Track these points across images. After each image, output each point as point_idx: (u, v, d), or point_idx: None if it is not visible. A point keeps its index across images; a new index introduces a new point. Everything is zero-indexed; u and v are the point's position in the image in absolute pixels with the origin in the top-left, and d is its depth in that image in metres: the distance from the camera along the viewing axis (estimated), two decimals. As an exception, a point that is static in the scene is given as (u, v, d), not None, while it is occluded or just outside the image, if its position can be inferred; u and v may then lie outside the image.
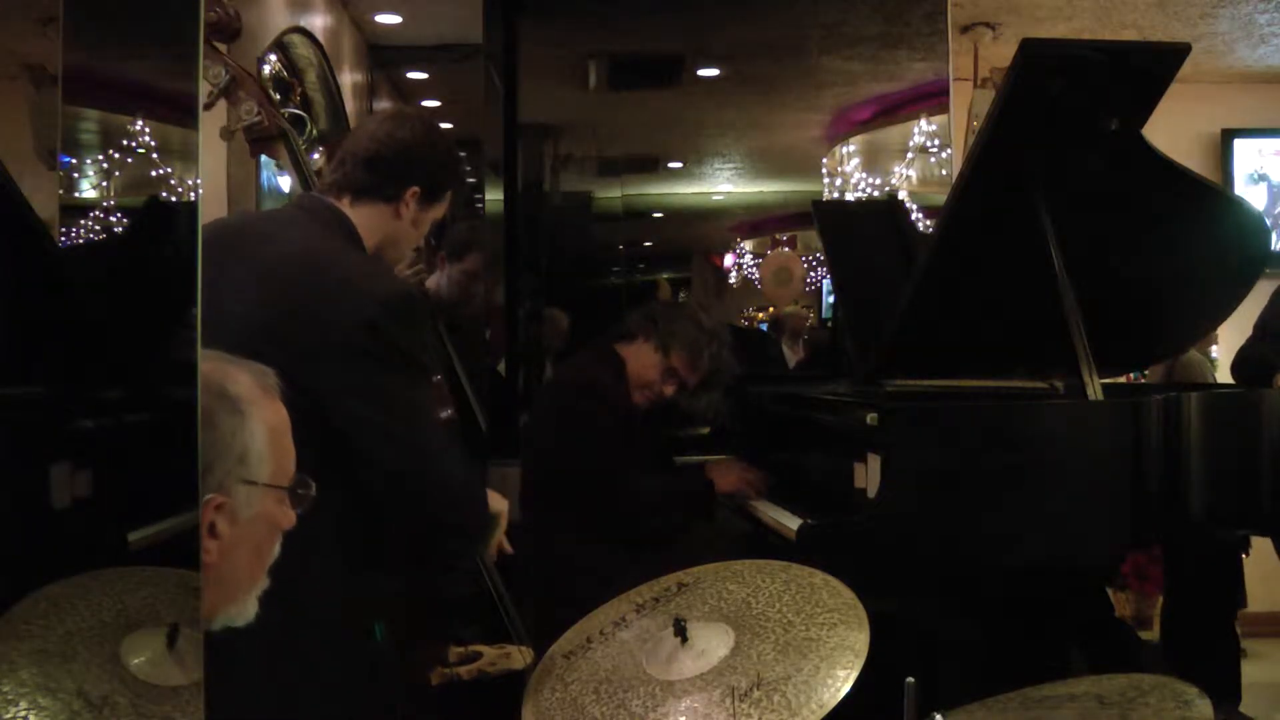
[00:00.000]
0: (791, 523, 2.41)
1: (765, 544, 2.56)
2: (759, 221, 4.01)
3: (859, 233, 3.35)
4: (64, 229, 1.31)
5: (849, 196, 3.95)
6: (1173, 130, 3.58)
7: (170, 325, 1.24)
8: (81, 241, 1.32)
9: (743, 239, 3.97)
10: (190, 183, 1.34)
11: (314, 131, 3.01)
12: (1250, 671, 3.45)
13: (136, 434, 1.22)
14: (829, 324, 3.99)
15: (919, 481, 2.18)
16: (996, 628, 2.39)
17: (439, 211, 1.90)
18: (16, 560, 1.09)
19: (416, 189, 1.83)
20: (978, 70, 4.39)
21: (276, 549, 1.23)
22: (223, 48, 2.02)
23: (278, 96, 2.22)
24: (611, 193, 3.84)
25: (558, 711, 1.53)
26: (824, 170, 3.95)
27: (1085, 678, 1.46)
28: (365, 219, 1.80)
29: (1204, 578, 3.21)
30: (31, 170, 1.24)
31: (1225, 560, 3.31)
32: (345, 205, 1.80)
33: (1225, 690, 3.10)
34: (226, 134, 2.05)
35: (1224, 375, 4.43)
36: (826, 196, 3.91)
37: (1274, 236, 4.60)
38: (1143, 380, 4.13)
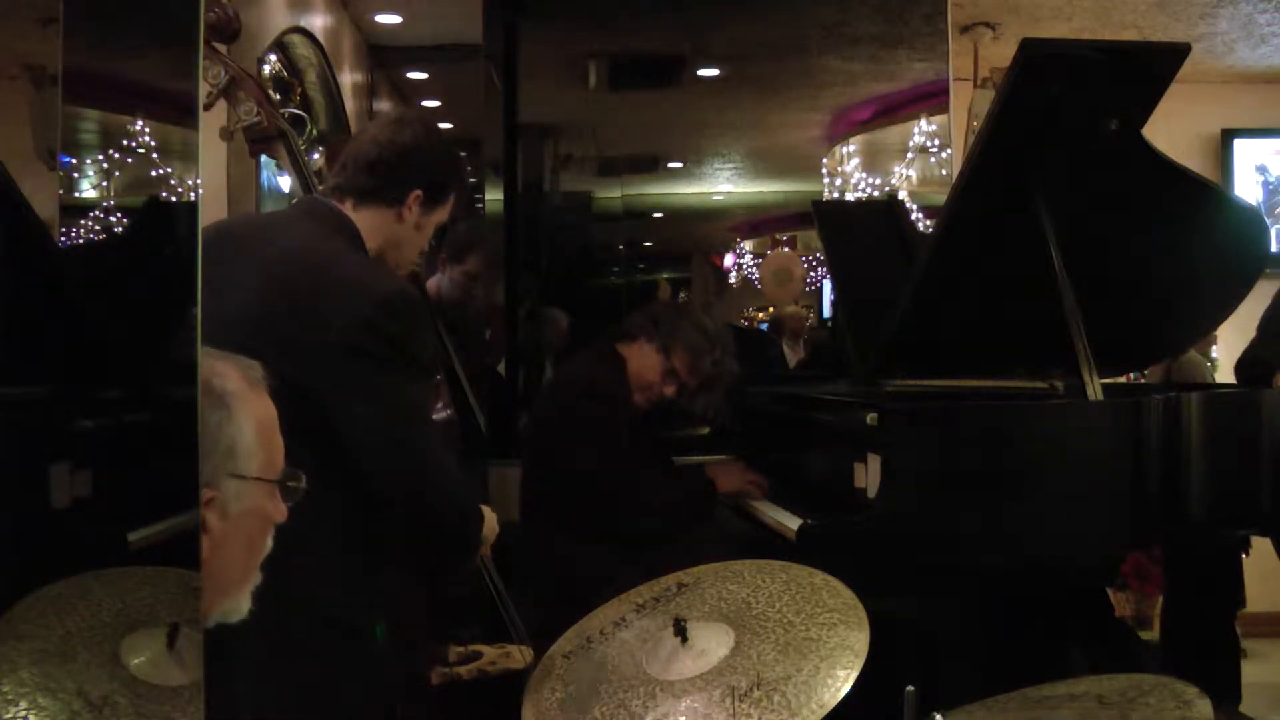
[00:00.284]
0: (792, 523, 2.41)
1: (765, 544, 2.56)
2: (759, 221, 4.01)
3: (859, 233, 3.35)
4: (64, 229, 1.31)
5: (849, 196, 3.95)
6: (1173, 130, 3.59)
7: (170, 325, 1.24)
8: (81, 241, 1.32)
9: (743, 239, 3.97)
10: (190, 183, 1.33)
11: (314, 132, 3.01)
12: (1250, 671, 3.45)
13: (136, 434, 1.22)
14: (829, 324, 3.99)
15: (919, 481, 2.18)
16: (996, 628, 2.40)
17: (442, 215, 1.89)
18: (16, 560, 1.09)
19: (419, 192, 1.82)
20: (978, 70, 4.38)
21: (269, 543, 1.23)
22: (222, 48, 2.02)
23: (277, 97, 2.23)
24: (611, 193, 3.84)
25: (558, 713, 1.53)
26: (824, 170, 3.95)
27: (1085, 678, 1.45)
28: (368, 222, 1.80)
29: (1204, 578, 3.22)
30: (31, 170, 1.24)
31: (1225, 560, 3.31)
32: (348, 208, 1.80)
33: (1225, 690, 3.10)
34: (226, 134, 2.05)
35: (1223, 375, 4.43)
36: (826, 196, 3.91)
37: (1274, 236, 4.62)
38: (1142, 380, 4.13)
